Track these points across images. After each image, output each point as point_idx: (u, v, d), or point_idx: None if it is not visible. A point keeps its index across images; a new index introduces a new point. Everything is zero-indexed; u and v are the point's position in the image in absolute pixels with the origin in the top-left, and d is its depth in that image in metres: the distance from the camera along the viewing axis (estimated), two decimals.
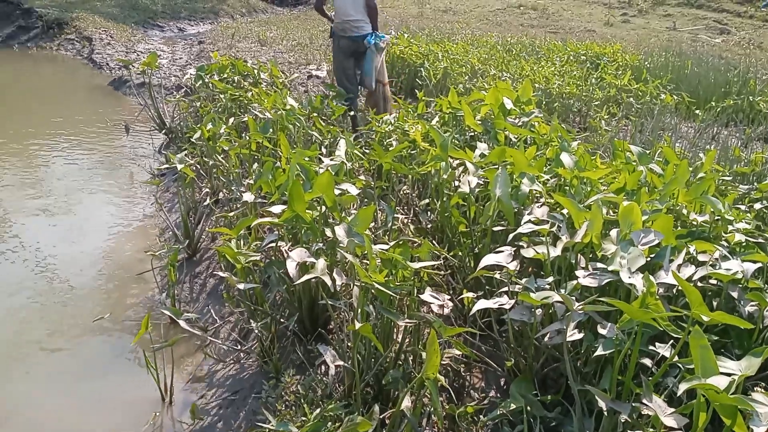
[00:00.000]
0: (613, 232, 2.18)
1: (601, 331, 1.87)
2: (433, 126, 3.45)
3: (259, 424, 2.11)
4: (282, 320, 2.68)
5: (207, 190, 4.17)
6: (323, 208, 2.49)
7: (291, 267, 2.10)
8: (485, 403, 2.28)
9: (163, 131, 5.94)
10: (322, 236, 2.43)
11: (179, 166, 3.52)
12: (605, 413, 1.81)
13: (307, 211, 2.38)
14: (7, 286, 3.61)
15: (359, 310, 2.03)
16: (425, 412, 2.11)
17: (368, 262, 2.09)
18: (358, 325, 1.79)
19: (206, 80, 5.39)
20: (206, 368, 2.86)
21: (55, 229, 4.40)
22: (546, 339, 2.06)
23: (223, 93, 5.00)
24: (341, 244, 2.09)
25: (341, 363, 1.95)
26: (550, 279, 2.10)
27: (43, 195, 5.02)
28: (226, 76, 5.51)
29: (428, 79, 7.03)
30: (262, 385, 2.42)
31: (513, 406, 2.04)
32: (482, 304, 2.01)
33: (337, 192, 2.57)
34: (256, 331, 2.51)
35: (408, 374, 2.15)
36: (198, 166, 4.32)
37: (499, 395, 2.37)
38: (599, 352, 1.81)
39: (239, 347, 2.82)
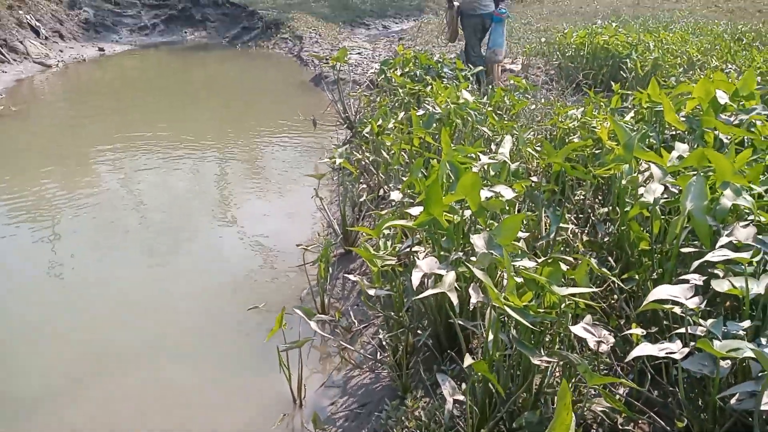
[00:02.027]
0: None
1: None
2: (619, 121, 2.94)
3: None
4: (419, 332, 2.43)
5: (365, 186, 4.06)
6: (468, 212, 2.19)
7: (415, 277, 1.84)
8: None
9: (346, 126, 6.01)
10: (463, 244, 2.14)
11: (338, 161, 3.44)
12: None
13: (447, 215, 2.10)
14: (175, 267, 3.86)
15: (491, 338, 1.71)
16: None
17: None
18: (469, 361, 1.47)
19: (388, 74, 5.32)
20: (343, 373, 2.72)
21: (228, 214, 4.66)
22: (733, 401, 1.56)
23: (402, 87, 4.87)
24: (474, 257, 1.78)
25: (461, 398, 1.64)
26: (747, 323, 1.58)
27: (227, 183, 5.36)
28: (408, 70, 5.39)
29: (633, 72, 6.26)
30: (385, 404, 2.20)
31: None
32: (643, 349, 1.56)
33: (489, 195, 2.25)
34: (385, 343, 2.30)
35: (547, 419, 1.77)
36: (367, 161, 4.24)
37: None
38: None
39: (376, 356, 2.63)
